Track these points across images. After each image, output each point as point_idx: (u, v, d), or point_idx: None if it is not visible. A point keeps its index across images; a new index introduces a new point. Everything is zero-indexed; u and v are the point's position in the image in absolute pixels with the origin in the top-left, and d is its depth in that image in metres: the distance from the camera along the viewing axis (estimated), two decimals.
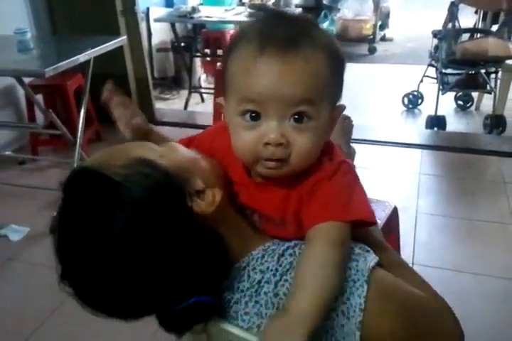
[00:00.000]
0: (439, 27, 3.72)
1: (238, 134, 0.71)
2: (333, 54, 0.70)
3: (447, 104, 4.05)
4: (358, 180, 0.78)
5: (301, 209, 0.74)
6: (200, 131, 0.96)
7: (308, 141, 0.69)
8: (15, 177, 3.06)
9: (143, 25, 4.06)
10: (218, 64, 3.87)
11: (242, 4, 4.36)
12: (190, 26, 4.82)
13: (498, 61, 3.47)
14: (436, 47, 3.75)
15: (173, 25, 4.19)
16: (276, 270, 0.72)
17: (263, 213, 0.79)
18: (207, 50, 4.89)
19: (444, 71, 3.68)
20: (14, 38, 2.81)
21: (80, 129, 2.84)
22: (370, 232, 0.87)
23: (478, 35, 3.91)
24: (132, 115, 0.94)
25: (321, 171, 0.73)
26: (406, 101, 4.18)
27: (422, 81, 4.04)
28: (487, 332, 1.88)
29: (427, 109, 4.01)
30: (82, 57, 2.61)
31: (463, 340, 0.78)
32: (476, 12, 4.68)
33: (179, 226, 0.67)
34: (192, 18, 3.88)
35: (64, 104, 3.23)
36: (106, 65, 3.09)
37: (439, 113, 3.69)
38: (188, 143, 0.90)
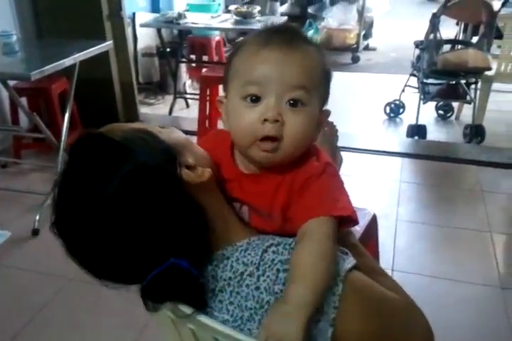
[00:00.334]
0: (422, 37, 3.80)
1: (239, 115, 0.78)
2: (324, 64, 0.81)
3: (428, 114, 4.12)
4: (343, 181, 0.84)
5: (291, 204, 0.80)
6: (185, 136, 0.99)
7: (300, 123, 0.77)
8: None
9: (129, 30, 4.07)
10: (204, 70, 3.89)
11: (228, 11, 4.40)
12: (176, 32, 4.85)
13: (477, 72, 3.55)
14: (418, 58, 3.81)
15: (159, 31, 4.20)
16: (259, 264, 0.76)
17: (252, 205, 0.84)
18: (192, 56, 4.93)
19: (425, 81, 3.74)
20: None
21: (64, 133, 2.84)
22: (349, 236, 0.91)
23: (459, 46, 3.99)
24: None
25: (310, 169, 0.80)
26: (388, 110, 4.24)
27: (403, 90, 4.11)
28: (462, 337, 1.93)
29: (408, 118, 4.07)
30: (67, 62, 2.61)
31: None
32: (457, 24, 4.78)
33: (167, 189, 0.72)
34: (178, 24, 3.90)
35: (48, 107, 3.22)
36: (91, 69, 3.11)
37: (420, 122, 3.75)
38: None
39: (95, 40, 2.99)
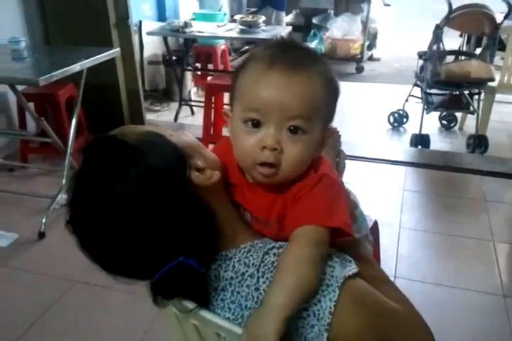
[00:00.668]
0: (426, 48, 3.83)
1: (240, 138, 0.79)
2: (330, 82, 0.80)
3: (432, 124, 4.15)
4: (343, 192, 0.85)
5: (286, 212, 0.81)
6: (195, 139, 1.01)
7: (299, 151, 0.77)
8: (4, 184, 3.07)
9: (135, 38, 4.12)
10: (209, 78, 3.94)
11: (234, 21, 4.44)
12: (181, 40, 4.90)
13: (480, 83, 3.58)
14: (422, 68, 3.85)
15: (165, 39, 4.25)
16: (260, 266, 0.78)
17: (251, 213, 0.86)
18: (198, 64, 4.97)
19: (428, 91, 3.78)
20: (9, 46, 2.85)
21: (70, 138, 2.87)
22: (358, 247, 0.93)
23: (463, 57, 4.03)
24: None
25: (306, 181, 0.81)
26: (392, 119, 4.28)
27: (407, 100, 4.14)
28: None
29: (411, 127, 4.09)
30: (75, 68, 2.64)
31: None
32: (461, 35, 4.83)
33: (177, 191, 0.75)
34: (184, 32, 3.95)
35: (55, 113, 3.26)
36: (98, 76, 3.14)
37: (423, 132, 3.78)
38: None
39: (102, 47, 3.03)
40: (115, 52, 3.06)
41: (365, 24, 6.14)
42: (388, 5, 6.86)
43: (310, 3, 6.43)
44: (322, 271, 0.76)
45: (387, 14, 6.78)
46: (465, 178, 3.33)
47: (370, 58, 6.47)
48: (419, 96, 3.95)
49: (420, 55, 3.88)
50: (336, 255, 0.80)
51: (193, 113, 4.57)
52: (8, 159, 3.36)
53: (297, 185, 0.81)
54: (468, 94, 3.72)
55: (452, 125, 4.26)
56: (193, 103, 4.62)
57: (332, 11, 6.47)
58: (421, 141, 3.77)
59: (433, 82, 3.65)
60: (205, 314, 0.79)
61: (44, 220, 2.58)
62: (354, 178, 3.07)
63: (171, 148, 0.78)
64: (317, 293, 0.74)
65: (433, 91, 3.80)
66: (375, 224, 1.80)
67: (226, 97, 3.68)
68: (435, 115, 4.15)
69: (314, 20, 6.44)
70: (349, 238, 0.81)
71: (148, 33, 4.17)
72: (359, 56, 6.13)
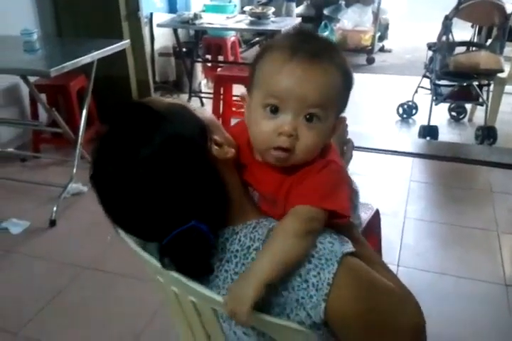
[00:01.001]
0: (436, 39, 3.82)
1: (258, 123, 0.83)
2: (346, 73, 0.84)
3: (441, 115, 4.15)
4: (346, 180, 0.90)
5: (291, 192, 0.85)
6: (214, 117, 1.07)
7: (313, 138, 0.82)
8: (17, 174, 3.14)
9: (146, 30, 4.16)
10: (218, 69, 3.96)
11: (243, 12, 4.46)
12: (192, 32, 4.92)
13: (489, 74, 3.56)
14: (431, 59, 3.83)
15: (175, 31, 4.28)
16: (265, 241, 0.82)
17: (260, 191, 0.91)
18: (208, 56, 5.00)
19: (437, 82, 3.77)
20: (21, 38, 2.91)
21: (81, 128, 2.93)
22: (353, 230, 0.96)
23: (474, 48, 4.01)
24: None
25: (314, 165, 0.85)
26: (401, 110, 4.27)
27: (416, 92, 4.13)
28: (465, 331, 1.97)
29: (421, 119, 4.09)
30: (85, 59, 2.69)
31: (423, 331, 0.86)
32: (472, 26, 4.79)
33: (197, 158, 0.81)
34: (194, 24, 3.98)
35: (66, 103, 3.32)
36: (109, 68, 3.19)
37: (432, 123, 3.78)
38: None
39: (113, 39, 3.06)
40: (125, 43, 3.10)
41: (376, 15, 6.11)
42: None
43: None
44: (311, 245, 0.80)
45: (399, 5, 6.74)
46: (472, 169, 3.34)
47: (382, 49, 6.44)
48: (429, 87, 3.94)
49: (430, 46, 3.88)
50: (335, 234, 0.85)
51: (202, 104, 4.60)
52: (20, 149, 3.43)
53: (305, 168, 0.85)
54: (477, 85, 3.71)
55: (462, 116, 4.25)
56: (202, 94, 4.65)
57: (343, 2, 6.44)
58: (429, 132, 3.77)
59: (442, 73, 3.65)
60: (202, 290, 0.83)
61: (55, 209, 2.64)
62: (361, 169, 3.09)
63: (194, 120, 0.84)
64: (317, 266, 0.79)
65: (442, 82, 3.79)
66: (377, 212, 1.83)
67: (235, 89, 3.71)
68: (445, 106, 4.14)
69: (325, 12, 6.42)
70: (345, 220, 0.86)
71: (159, 25, 4.20)
72: (370, 47, 6.11)
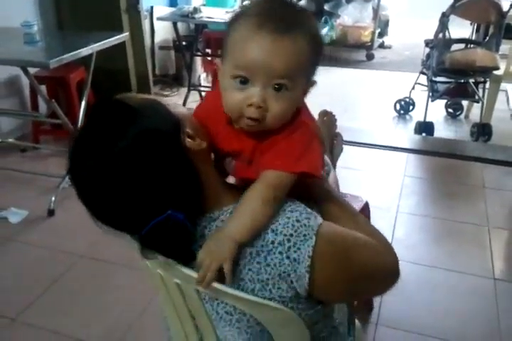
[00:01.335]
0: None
1: (229, 93, 0.86)
2: (316, 40, 0.85)
3: (438, 112, 4.18)
4: (317, 139, 0.92)
5: (262, 156, 0.90)
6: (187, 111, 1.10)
7: (282, 107, 0.84)
8: (16, 164, 3.18)
9: (146, 23, 4.18)
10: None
11: None
12: (192, 26, 4.94)
13: (485, 71, 3.60)
14: (428, 56, 3.87)
15: (174, 25, 4.29)
16: None
17: (237, 153, 0.94)
18: (208, 50, 5.01)
19: (434, 79, 3.80)
20: (21, 30, 2.93)
21: (80, 120, 2.96)
22: (324, 182, 1.03)
23: (471, 45, 4.03)
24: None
25: (284, 128, 0.89)
26: (398, 107, 4.31)
27: (413, 88, 4.17)
28: (453, 322, 2.02)
29: (417, 115, 4.12)
30: (85, 51, 2.73)
31: (397, 278, 0.95)
32: (471, 23, 4.81)
33: (171, 150, 0.84)
34: (194, 18, 3.99)
35: (66, 95, 3.35)
36: (108, 60, 3.22)
37: (429, 120, 3.81)
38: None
39: (112, 32, 3.09)
40: (124, 36, 3.14)
41: (376, 11, 6.13)
42: None
43: None
44: (276, 210, 0.86)
45: (399, 1, 6.75)
46: (466, 165, 3.37)
47: (381, 46, 6.45)
48: (426, 84, 3.97)
49: (427, 43, 3.90)
50: (308, 208, 0.89)
51: (202, 98, 4.63)
52: (20, 140, 3.48)
53: (277, 131, 0.88)
54: (473, 82, 3.74)
55: (458, 113, 4.28)
56: (202, 88, 4.67)
57: None
58: (425, 128, 3.81)
59: (438, 70, 3.68)
60: (185, 270, 0.87)
61: (53, 198, 2.69)
62: (357, 163, 3.12)
63: (168, 115, 0.87)
64: (296, 243, 0.83)
65: (439, 79, 3.83)
66: (366, 205, 1.88)
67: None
68: (442, 103, 4.18)
69: (326, 7, 6.43)
70: (318, 178, 0.93)
71: (159, 19, 4.22)
72: (369, 43, 6.13)
